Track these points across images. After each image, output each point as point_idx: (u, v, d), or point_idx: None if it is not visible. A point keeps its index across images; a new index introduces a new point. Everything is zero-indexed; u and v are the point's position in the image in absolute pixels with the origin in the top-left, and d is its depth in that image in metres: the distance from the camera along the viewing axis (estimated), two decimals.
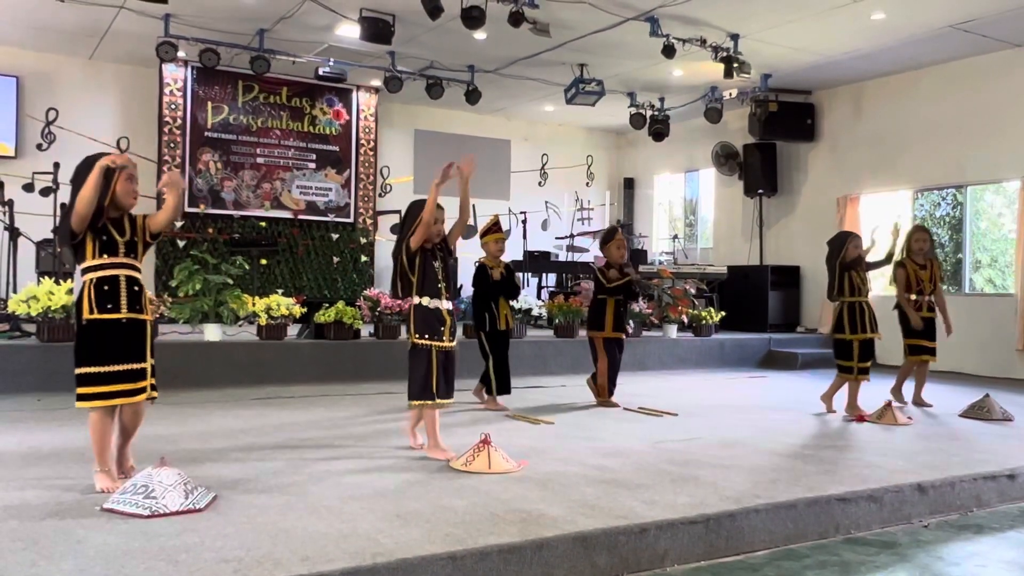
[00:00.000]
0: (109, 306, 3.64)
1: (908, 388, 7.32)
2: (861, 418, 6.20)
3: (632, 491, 3.83)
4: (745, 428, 5.78)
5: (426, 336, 4.51)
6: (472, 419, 5.89)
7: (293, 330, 8.32)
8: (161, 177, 3.87)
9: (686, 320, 10.40)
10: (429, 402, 4.52)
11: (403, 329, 8.25)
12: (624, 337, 6.93)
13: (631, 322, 9.77)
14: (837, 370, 6.59)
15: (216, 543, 2.92)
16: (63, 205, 8.17)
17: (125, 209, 3.75)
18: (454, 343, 4.63)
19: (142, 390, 3.71)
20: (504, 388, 6.53)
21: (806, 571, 3.35)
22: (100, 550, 2.83)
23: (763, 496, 3.80)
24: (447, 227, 4.74)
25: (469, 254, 6.18)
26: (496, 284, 6.49)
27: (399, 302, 8.00)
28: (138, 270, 3.77)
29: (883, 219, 11.21)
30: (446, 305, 4.59)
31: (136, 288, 3.73)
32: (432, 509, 3.43)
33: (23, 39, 10.58)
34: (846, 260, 6.47)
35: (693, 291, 10.84)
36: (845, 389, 6.55)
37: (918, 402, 7.15)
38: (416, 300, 4.55)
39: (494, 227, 6.57)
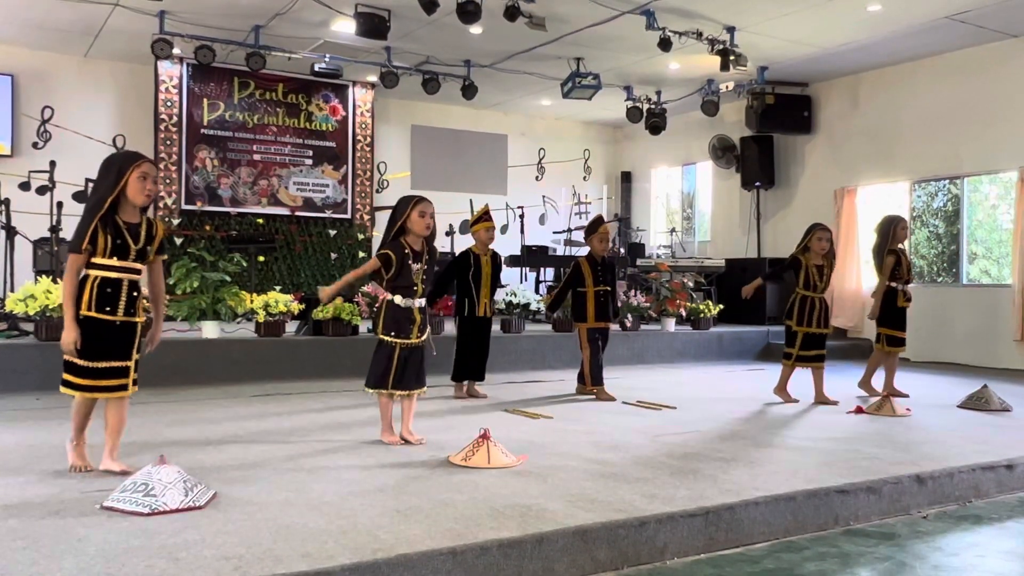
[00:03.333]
0: (107, 308, 3.75)
1: (877, 379, 7.33)
2: (859, 410, 6.22)
3: (631, 485, 3.84)
4: (744, 421, 5.79)
5: (392, 334, 4.67)
6: (471, 414, 5.90)
7: (291, 327, 8.32)
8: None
9: (684, 313, 10.41)
10: (384, 391, 4.70)
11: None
12: (608, 328, 6.96)
13: (629, 315, 9.79)
14: (784, 357, 6.80)
15: (216, 540, 2.93)
16: (60, 204, 8.21)
17: (139, 206, 3.81)
18: (423, 338, 4.76)
19: (124, 387, 3.83)
20: (470, 375, 6.72)
21: (806, 563, 3.36)
22: (100, 548, 2.83)
23: (762, 488, 3.81)
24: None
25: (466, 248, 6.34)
26: (479, 270, 6.56)
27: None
28: (140, 273, 3.87)
29: (880, 214, 11.25)
30: (418, 303, 4.72)
31: (135, 293, 3.84)
32: (432, 504, 3.43)
33: (18, 37, 10.54)
34: (800, 256, 6.68)
35: (691, 284, 10.85)
36: (799, 378, 6.76)
37: (895, 393, 7.06)
38: (389, 297, 4.68)
39: (484, 216, 6.65)
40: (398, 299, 4.67)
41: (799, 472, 4.18)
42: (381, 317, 4.72)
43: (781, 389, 6.81)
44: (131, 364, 3.85)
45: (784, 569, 3.29)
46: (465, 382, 6.82)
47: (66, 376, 3.77)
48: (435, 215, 4.79)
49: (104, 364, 3.76)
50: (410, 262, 4.66)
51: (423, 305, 4.75)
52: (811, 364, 6.70)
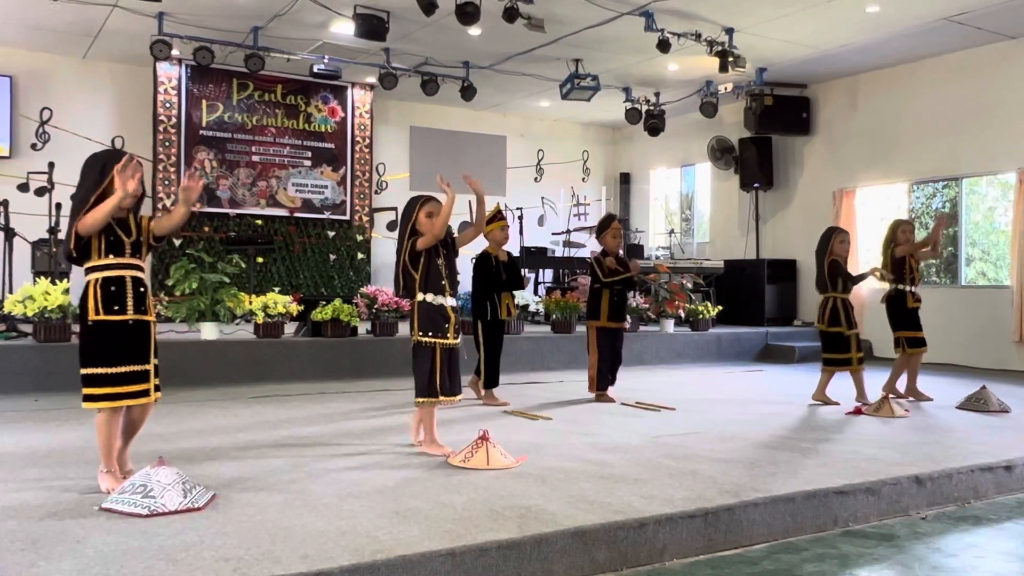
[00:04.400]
0: (116, 307, 3.61)
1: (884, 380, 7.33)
2: (858, 411, 6.22)
3: (631, 486, 3.84)
4: (743, 422, 5.79)
5: (430, 334, 4.49)
6: (470, 415, 5.89)
7: (290, 328, 8.31)
8: (180, 184, 3.80)
9: (683, 315, 10.41)
10: (433, 399, 4.52)
11: (402, 327, 8.26)
12: (623, 328, 6.88)
13: (628, 317, 9.78)
14: (832, 364, 6.71)
15: (215, 542, 2.93)
16: (59, 205, 8.20)
17: (126, 208, 3.71)
18: (458, 340, 4.62)
19: (148, 392, 3.69)
20: (494, 381, 6.56)
21: (805, 564, 3.36)
22: (99, 550, 2.83)
23: (761, 490, 3.81)
24: (455, 224, 4.70)
25: (468, 250, 6.20)
26: (500, 271, 6.45)
27: (397, 299, 8.03)
28: (143, 270, 3.75)
29: (879, 215, 11.26)
30: (450, 302, 4.57)
31: (142, 289, 3.70)
32: (431, 506, 3.43)
33: (16, 38, 10.54)
34: (837, 258, 6.67)
35: (690, 286, 10.85)
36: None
37: (918, 395, 7.08)
38: (420, 297, 4.53)
39: (498, 216, 6.55)
40: (429, 297, 4.51)
41: (798, 473, 4.18)
42: (415, 319, 4.54)
43: (860, 395, 6.69)
44: (151, 368, 3.69)
45: (783, 570, 3.29)
46: (491, 391, 6.65)
47: (87, 390, 3.59)
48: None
49: (124, 369, 3.60)
50: (434, 256, 4.57)
51: (454, 304, 4.60)
52: (862, 367, 6.72)
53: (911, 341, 7.10)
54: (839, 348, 6.67)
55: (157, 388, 3.76)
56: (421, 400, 4.53)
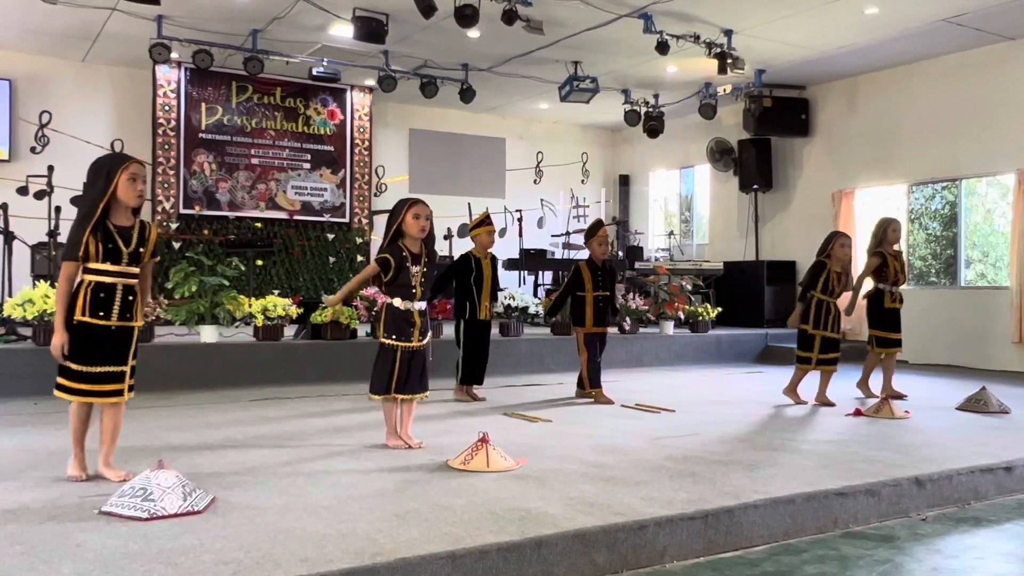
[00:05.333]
0: (101, 313, 3.71)
1: (875, 380, 7.35)
2: (858, 412, 6.22)
3: (631, 488, 3.84)
4: (742, 423, 5.79)
5: (393, 337, 4.66)
6: (470, 417, 5.89)
7: (290, 331, 8.31)
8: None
9: (683, 316, 10.41)
10: (387, 395, 4.69)
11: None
12: (607, 332, 6.89)
13: (628, 319, 9.79)
14: (799, 361, 6.82)
15: (215, 545, 2.92)
16: (58, 208, 8.20)
17: (132, 207, 3.77)
18: (423, 342, 4.75)
19: (120, 392, 3.79)
20: (473, 378, 6.73)
21: (805, 565, 3.36)
22: (99, 553, 2.83)
23: (761, 491, 3.81)
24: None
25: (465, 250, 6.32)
26: (480, 273, 6.62)
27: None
28: (137, 277, 3.82)
29: (878, 216, 11.26)
30: (418, 306, 4.71)
31: (131, 297, 3.79)
32: (431, 508, 3.43)
33: (15, 42, 10.55)
34: (823, 260, 6.71)
35: (689, 287, 10.85)
36: (814, 380, 6.82)
37: (893, 394, 7.07)
38: (388, 300, 4.69)
39: (485, 220, 6.68)
40: (397, 302, 4.66)
41: (798, 475, 4.18)
42: (381, 321, 4.72)
43: (791, 390, 6.84)
44: (127, 369, 3.81)
45: (783, 572, 3.29)
46: (464, 386, 6.83)
47: (60, 380, 3.73)
48: (432, 217, 4.77)
49: (99, 369, 3.71)
50: (408, 265, 4.65)
51: (423, 308, 4.74)
52: (829, 368, 6.72)
53: (880, 340, 7.18)
54: (804, 346, 6.76)
55: (131, 388, 3.86)
56: (376, 397, 4.72)
